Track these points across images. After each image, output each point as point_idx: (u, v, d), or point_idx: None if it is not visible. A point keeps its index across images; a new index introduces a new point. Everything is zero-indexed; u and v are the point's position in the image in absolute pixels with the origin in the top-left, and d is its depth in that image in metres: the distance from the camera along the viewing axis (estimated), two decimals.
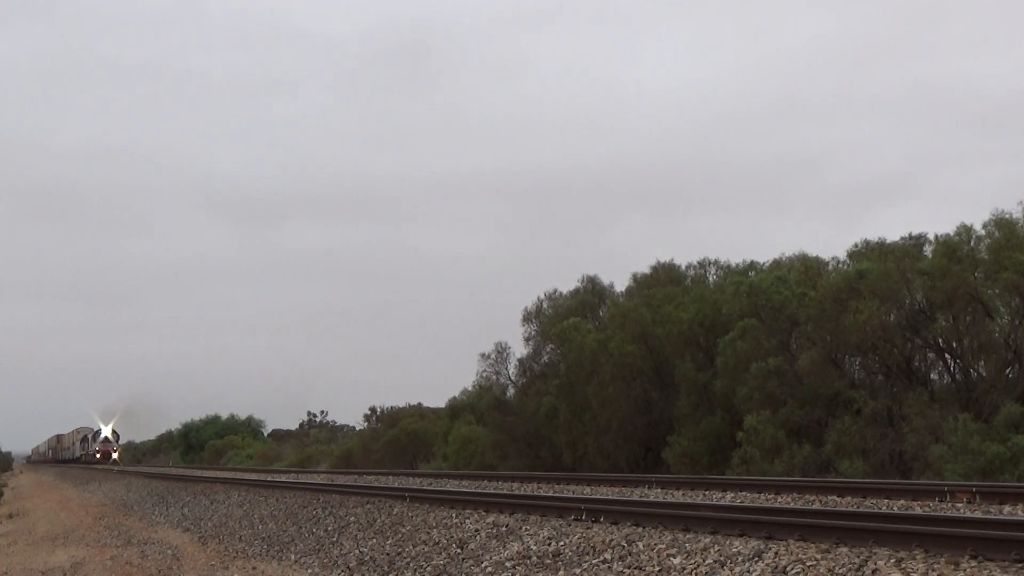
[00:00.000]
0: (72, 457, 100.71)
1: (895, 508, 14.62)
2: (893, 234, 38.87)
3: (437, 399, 67.79)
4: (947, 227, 33.88)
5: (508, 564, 12.83)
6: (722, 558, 10.49)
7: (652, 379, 37.39)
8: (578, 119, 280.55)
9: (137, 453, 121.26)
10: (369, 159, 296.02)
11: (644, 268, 43.98)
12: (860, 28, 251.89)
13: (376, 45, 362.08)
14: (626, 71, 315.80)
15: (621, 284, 45.24)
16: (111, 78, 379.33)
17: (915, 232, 32.86)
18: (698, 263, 43.00)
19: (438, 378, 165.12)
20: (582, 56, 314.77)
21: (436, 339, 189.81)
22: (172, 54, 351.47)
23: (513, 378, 46.47)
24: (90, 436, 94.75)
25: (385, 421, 65.05)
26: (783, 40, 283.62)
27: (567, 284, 53.80)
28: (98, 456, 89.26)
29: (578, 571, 11.73)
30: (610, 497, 17.27)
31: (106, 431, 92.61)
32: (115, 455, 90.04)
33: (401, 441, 57.52)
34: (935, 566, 8.73)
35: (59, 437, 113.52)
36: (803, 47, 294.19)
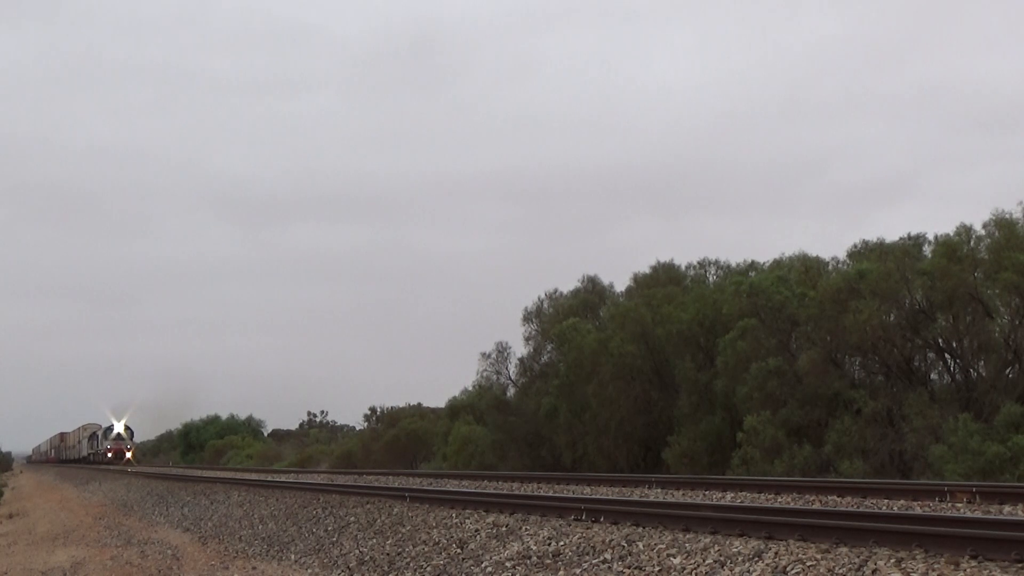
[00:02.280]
0: (78, 456, 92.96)
1: (895, 508, 14.61)
2: (893, 234, 38.93)
3: (437, 399, 67.88)
4: (947, 227, 33.94)
5: (508, 564, 12.83)
6: (722, 558, 10.49)
7: (652, 379, 37.40)
8: (581, 119, 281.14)
9: (137, 453, 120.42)
10: (374, 159, 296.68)
11: (645, 268, 44.09)
12: (864, 29, 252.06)
13: (383, 45, 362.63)
14: (630, 72, 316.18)
15: (621, 284, 45.42)
16: (117, 79, 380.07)
17: (915, 232, 32.96)
18: (698, 263, 43.12)
19: (438, 378, 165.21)
20: (586, 57, 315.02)
21: (436, 339, 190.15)
22: (178, 54, 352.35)
23: (513, 378, 46.56)
24: (99, 433, 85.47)
25: (385, 421, 65.07)
26: (787, 41, 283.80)
27: (567, 284, 53.94)
28: (109, 455, 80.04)
29: (578, 571, 11.72)
30: (610, 497, 17.26)
31: (118, 427, 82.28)
32: (129, 454, 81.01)
33: (401, 441, 57.58)
34: (935, 566, 8.73)
35: (63, 435, 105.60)
36: (807, 48, 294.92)
